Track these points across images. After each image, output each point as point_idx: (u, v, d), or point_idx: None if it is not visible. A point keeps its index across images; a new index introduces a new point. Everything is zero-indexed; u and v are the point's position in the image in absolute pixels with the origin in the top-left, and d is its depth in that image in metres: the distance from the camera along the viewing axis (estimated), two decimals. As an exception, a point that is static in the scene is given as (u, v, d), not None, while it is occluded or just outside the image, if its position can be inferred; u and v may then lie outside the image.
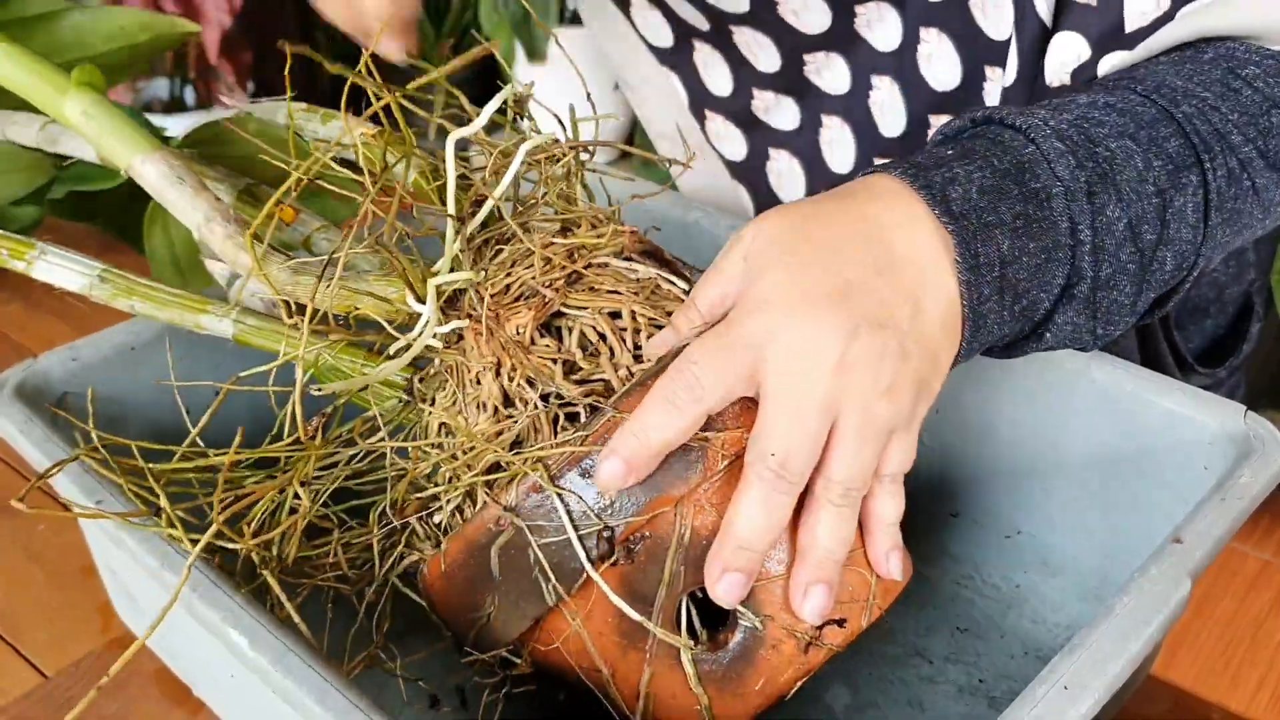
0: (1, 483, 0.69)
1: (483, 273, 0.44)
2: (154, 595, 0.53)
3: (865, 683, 0.51)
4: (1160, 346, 0.69)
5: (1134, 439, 0.51)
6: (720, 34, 0.68)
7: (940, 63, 0.62)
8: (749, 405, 0.41)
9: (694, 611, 0.42)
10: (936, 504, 0.58)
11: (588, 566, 0.40)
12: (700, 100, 0.75)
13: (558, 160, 0.47)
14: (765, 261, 0.41)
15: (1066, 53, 0.54)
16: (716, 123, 0.75)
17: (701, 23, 0.68)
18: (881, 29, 0.64)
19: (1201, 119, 0.47)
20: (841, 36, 0.65)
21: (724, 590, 0.40)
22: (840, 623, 0.42)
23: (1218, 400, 0.49)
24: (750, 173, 0.76)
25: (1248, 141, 0.48)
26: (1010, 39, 0.58)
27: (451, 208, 0.44)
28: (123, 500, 0.46)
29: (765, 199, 0.76)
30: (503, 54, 2.17)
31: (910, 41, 0.63)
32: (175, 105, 2.22)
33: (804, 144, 0.72)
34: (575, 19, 2.03)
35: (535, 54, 2.06)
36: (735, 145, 0.75)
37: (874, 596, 0.42)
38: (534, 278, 0.44)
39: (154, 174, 0.45)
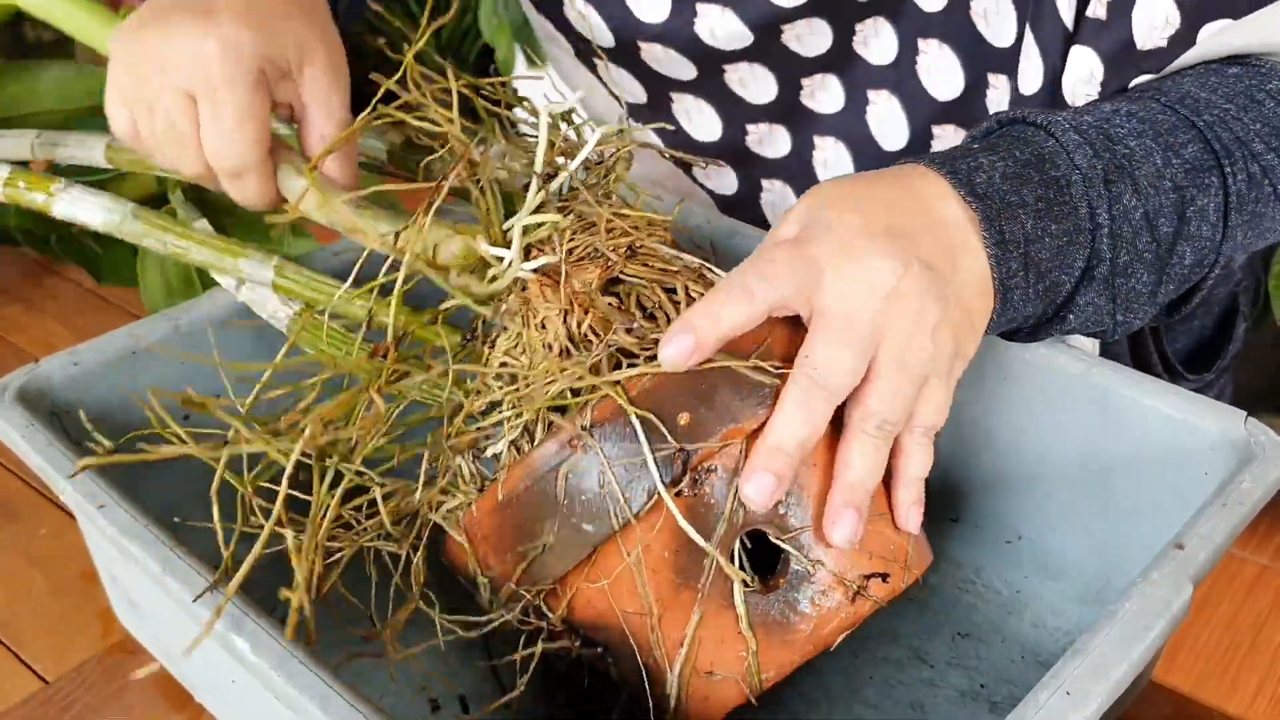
0: (5, 489, 0.69)
1: (563, 220, 0.47)
2: (155, 600, 0.53)
3: (866, 686, 0.51)
4: (1150, 356, 0.69)
5: (1134, 444, 0.51)
6: (708, 78, 0.67)
7: (940, 73, 0.62)
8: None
9: (745, 558, 0.43)
10: (937, 509, 0.58)
11: (660, 488, 0.41)
12: (686, 148, 0.73)
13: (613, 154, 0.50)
14: (825, 206, 0.44)
15: (1080, 68, 0.54)
16: (713, 171, 0.74)
17: (686, 72, 0.67)
18: (877, 43, 0.63)
19: (1223, 127, 0.49)
20: (839, 57, 0.64)
21: (754, 490, 0.41)
22: (884, 577, 0.43)
23: (1218, 406, 0.49)
24: (742, 207, 0.75)
25: (1270, 150, 0.50)
26: (1014, 45, 0.58)
27: (539, 166, 0.48)
28: (128, 505, 0.46)
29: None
30: (503, 59, 2.17)
31: (908, 53, 0.63)
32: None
33: (796, 169, 0.71)
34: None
35: (536, 59, 2.07)
36: (725, 181, 0.75)
37: (911, 558, 0.44)
38: (600, 244, 0.46)
39: None
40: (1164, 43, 0.51)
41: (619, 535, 0.42)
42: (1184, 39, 0.51)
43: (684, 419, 0.41)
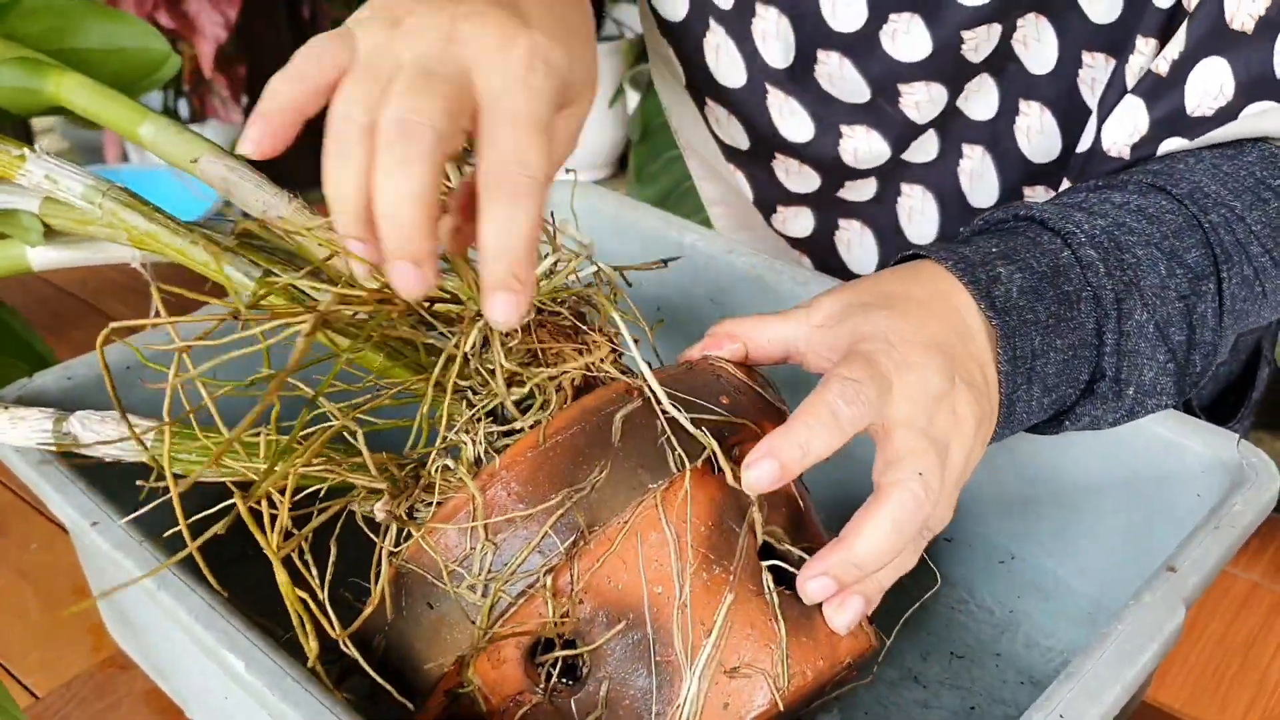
0: (-6, 501, 0.69)
1: None
2: (146, 615, 0.52)
3: (859, 706, 0.51)
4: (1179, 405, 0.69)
5: (1127, 466, 0.51)
6: (823, 140, 0.65)
7: (1040, 137, 0.62)
8: None
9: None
10: (930, 528, 0.58)
11: (715, 446, 0.40)
12: (771, 198, 0.72)
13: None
14: (870, 308, 0.43)
15: (1125, 120, 0.54)
16: (786, 212, 0.73)
17: (804, 132, 0.65)
18: (979, 98, 0.62)
19: (1226, 229, 0.49)
20: (943, 114, 0.63)
21: (817, 589, 0.39)
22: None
23: (1211, 429, 0.49)
24: (817, 246, 0.74)
25: (1266, 252, 0.50)
26: None
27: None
28: (119, 522, 0.45)
29: (831, 268, 0.74)
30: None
31: (1008, 112, 0.62)
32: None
33: (879, 213, 0.70)
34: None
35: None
36: (803, 224, 0.73)
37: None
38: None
39: (220, 169, 0.50)
40: (1210, 112, 0.51)
41: (660, 499, 0.40)
42: (1229, 112, 0.51)
43: (724, 400, 0.42)
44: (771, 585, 0.40)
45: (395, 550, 0.43)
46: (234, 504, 0.40)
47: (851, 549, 0.39)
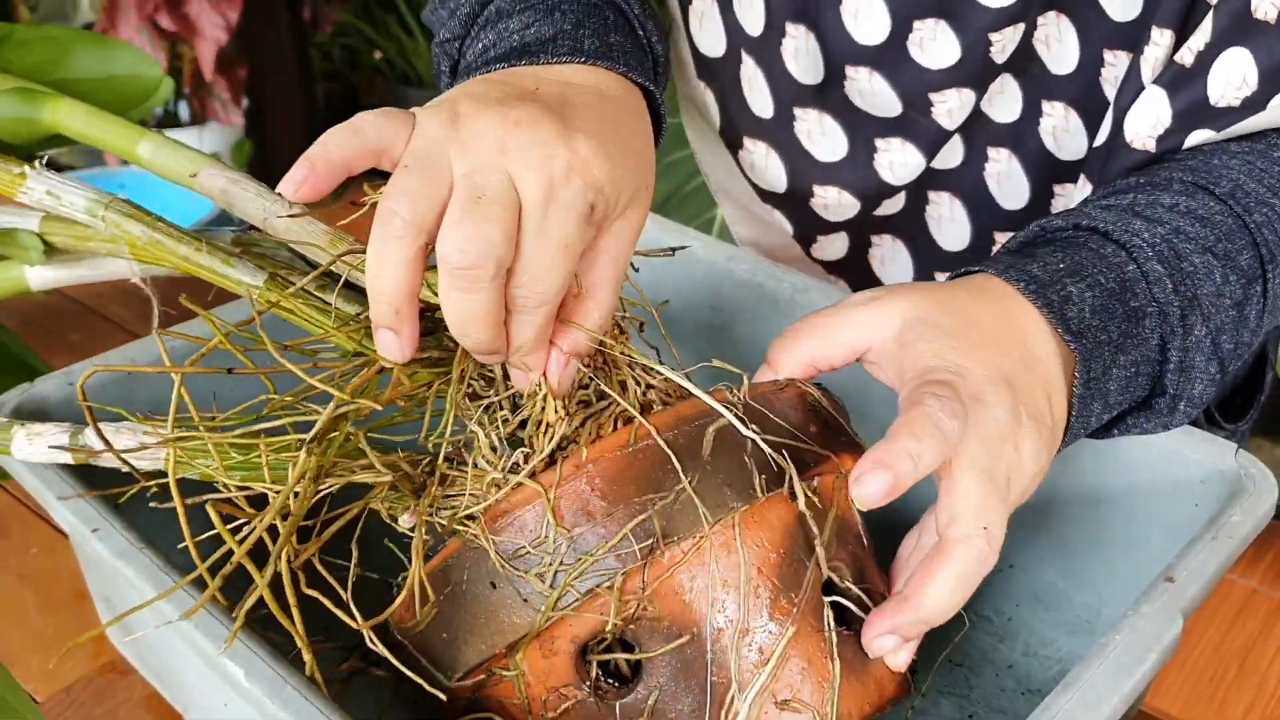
0: (-5, 505, 0.69)
1: None
2: (146, 620, 0.52)
3: (858, 715, 0.51)
4: None
5: (1126, 476, 0.51)
6: (856, 156, 0.65)
7: (1066, 136, 0.61)
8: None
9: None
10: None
11: (794, 473, 0.41)
12: (812, 231, 0.72)
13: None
14: (928, 338, 0.42)
15: (1148, 112, 0.53)
16: (824, 240, 0.73)
17: (836, 152, 0.65)
18: (1002, 100, 0.62)
19: (1270, 228, 0.49)
20: (970, 119, 0.63)
21: (882, 649, 0.40)
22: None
23: (1209, 438, 0.49)
24: (852, 266, 0.74)
25: None
26: None
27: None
28: (121, 529, 0.46)
29: (866, 286, 0.74)
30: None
31: (1032, 113, 0.62)
32: (169, 121, 2.22)
33: (908, 224, 0.70)
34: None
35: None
36: (838, 247, 0.73)
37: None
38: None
39: (220, 182, 0.50)
40: (1236, 102, 0.51)
41: (740, 520, 0.40)
42: (1255, 102, 0.51)
43: (813, 429, 0.42)
44: (832, 623, 0.41)
45: (457, 529, 0.43)
46: (244, 521, 0.40)
47: (919, 609, 0.39)
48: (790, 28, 0.62)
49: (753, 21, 0.63)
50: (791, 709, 0.40)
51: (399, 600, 0.43)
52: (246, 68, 2.19)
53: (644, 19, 0.57)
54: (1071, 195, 0.63)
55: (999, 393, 0.41)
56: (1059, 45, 0.59)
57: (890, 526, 0.47)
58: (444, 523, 0.43)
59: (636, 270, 0.49)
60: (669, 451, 0.40)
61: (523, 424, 0.44)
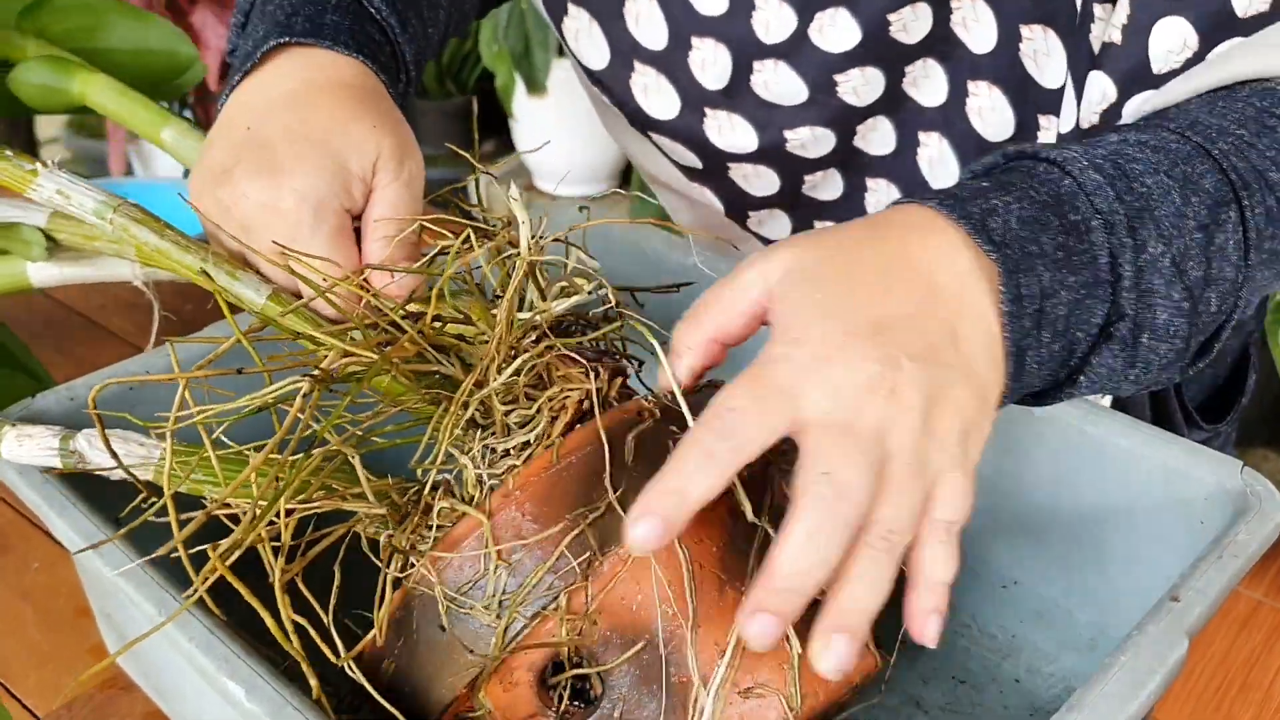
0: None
1: None
2: (149, 639, 0.52)
3: (861, 733, 0.51)
4: (1171, 403, 0.69)
5: (1130, 493, 0.51)
6: (770, 148, 0.66)
7: (992, 115, 0.62)
8: None
9: None
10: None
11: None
12: (741, 205, 0.72)
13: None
14: (790, 299, 0.40)
15: (1093, 91, 0.53)
16: (760, 215, 0.73)
17: (748, 143, 0.66)
18: (928, 85, 0.63)
19: (1239, 156, 0.46)
20: (890, 99, 0.64)
21: (755, 634, 0.36)
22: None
23: (1214, 456, 0.49)
24: None
25: None
26: (1064, 86, 0.57)
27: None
28: (123, 545, 0.45)
29: None
30: (502, 85, 2.18)
31: (958, 95, 0.62)
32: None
33: (849, 211, 0.70)
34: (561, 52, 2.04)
35: (535, 86, 2.07)
36: (780, 227, 0.73)
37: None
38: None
39: None
40: (1179, 65, 0.50)
41: None
42: (1197, 59, 0.49)
43: None
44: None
45: (403, 575, 0.43)
46: (234, 534, 0.40)
47: (773, 576, 0.36)
48: (697, 40, 0.63)
49: (655, 37, 0.64)
50: (756, 695, 0.39)
51: (363, 643, 0.43)
52: (250, 78, 2.19)
53: None
54: None
55: (855, 344, 0.38)
56: (977, 26, 0.59)
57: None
58: (423, 551, 0.43)
59: (641, 306, 0.49)
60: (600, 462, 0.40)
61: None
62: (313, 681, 0.40)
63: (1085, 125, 0.54)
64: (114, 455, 0.46)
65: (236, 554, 0.40)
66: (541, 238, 0.48)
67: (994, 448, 0.54)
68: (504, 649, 0.40)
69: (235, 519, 0.42)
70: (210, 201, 0.51)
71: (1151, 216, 0.43)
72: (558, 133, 1.94)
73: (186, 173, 0.57)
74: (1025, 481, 0.54)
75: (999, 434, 0.54)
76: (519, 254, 0.47)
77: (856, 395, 0.37)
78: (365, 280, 0.49)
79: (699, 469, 0.36)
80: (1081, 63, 0.55)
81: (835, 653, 0.36)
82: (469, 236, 0.48)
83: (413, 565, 0.43)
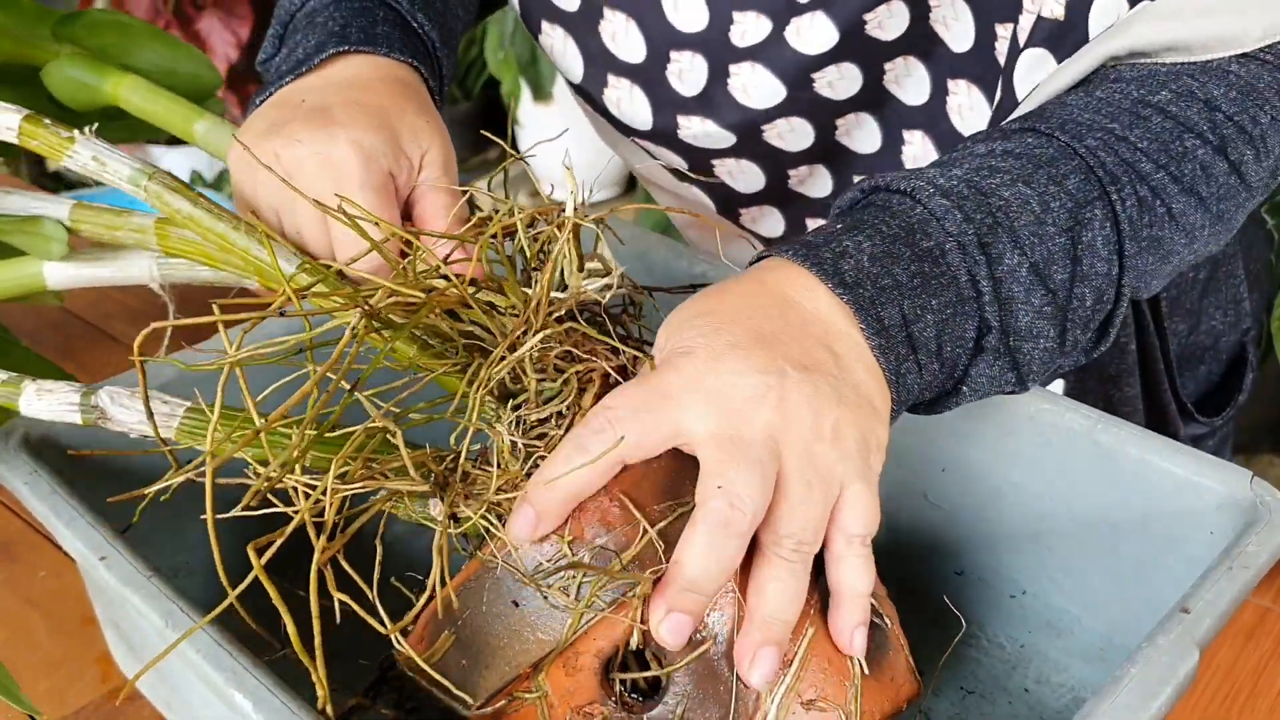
0: (4, 529, 0.69)
1: None
2: (154, 647, 0.52)
3: (869, 744, 0.51)
4: (1164, 396, 0.69)
5: (1139, 503, 0.51)
6: (748, 142, 0.67)
7: (971, 114, 0.62)
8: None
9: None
10: (941, 562, 0.58)
11: None
12: (732, 203, 0.73)
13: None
14: (678, 333, 0.41)
15: (1036, 70, 0.54)
16: (752, 212, 0.74)
17: (724, 141, 0.67)
18: (910, 83, 0.63)
19: (1107, 151, 0.47)
20: (872, 96, 0.64)
21: (668, 631, 0.38)
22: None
23: (1224, 465, 0.49)
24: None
25: (1159, 168, 0.48)
26: (1037, 86, 0.58)
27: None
28: (129, 556, 0.45)
29: None
30: (508, 91, 2.18)
31: (939, 94, 0.63)
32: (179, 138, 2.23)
33: None
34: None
35: (541, 94, 2.07)
36: (772, 224, 0.74)
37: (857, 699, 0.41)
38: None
39: None
40: None
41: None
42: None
43: None
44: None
45: (476, 550, 0.43)
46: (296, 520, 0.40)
47: (678, 579, 0.38)
48: (675, 54, 0.64)
49: (633, 52, 0.65)
50: (817, 708, 0.40)
51: (422, 613, 0.42)
52: (257, 85, 2.20)
53: (415, 11, 0.62)
54: None
55: (737, 357, 0.39)
56: (956, 24, 0.60)
57: (910, 531, 0.46)
58: (471, 514, 0.43)
59: (658, 310, 0.49)
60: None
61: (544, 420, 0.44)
62: (320, 691, 0.40)
63: (1029, 104, 0.55)
64: (149, 413, 0.45)
65: (278, 542, 0.39)
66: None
67: (1002, 457, 0.54)
68: (576, 632, 0.40)
69: (280, 497, 0.42)
70: (259, 152, 0.52)
71: (1007, 229, 0.45)
72: (563, 141, 1.94)
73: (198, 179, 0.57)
74: (1034, 491, 0.54)
75: (1006, 442, 0.53)
76: (566, 215, 0.48)
77: (745, 405, 0.39)
78: (408, 240, 0.49)
79: (572, 461, 0.39)
80: (1012, 54, 0.55)
81: (764, 664, 0.38)
82: (512, 209, 0.49)
83: (481, 538, 0.42)
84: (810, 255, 0.43)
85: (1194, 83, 0.49)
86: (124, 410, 0.48)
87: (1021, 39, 0.54)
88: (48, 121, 0.53)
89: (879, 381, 0.42)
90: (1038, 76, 0.53)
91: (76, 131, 0.53)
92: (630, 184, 2.35)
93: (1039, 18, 0.52)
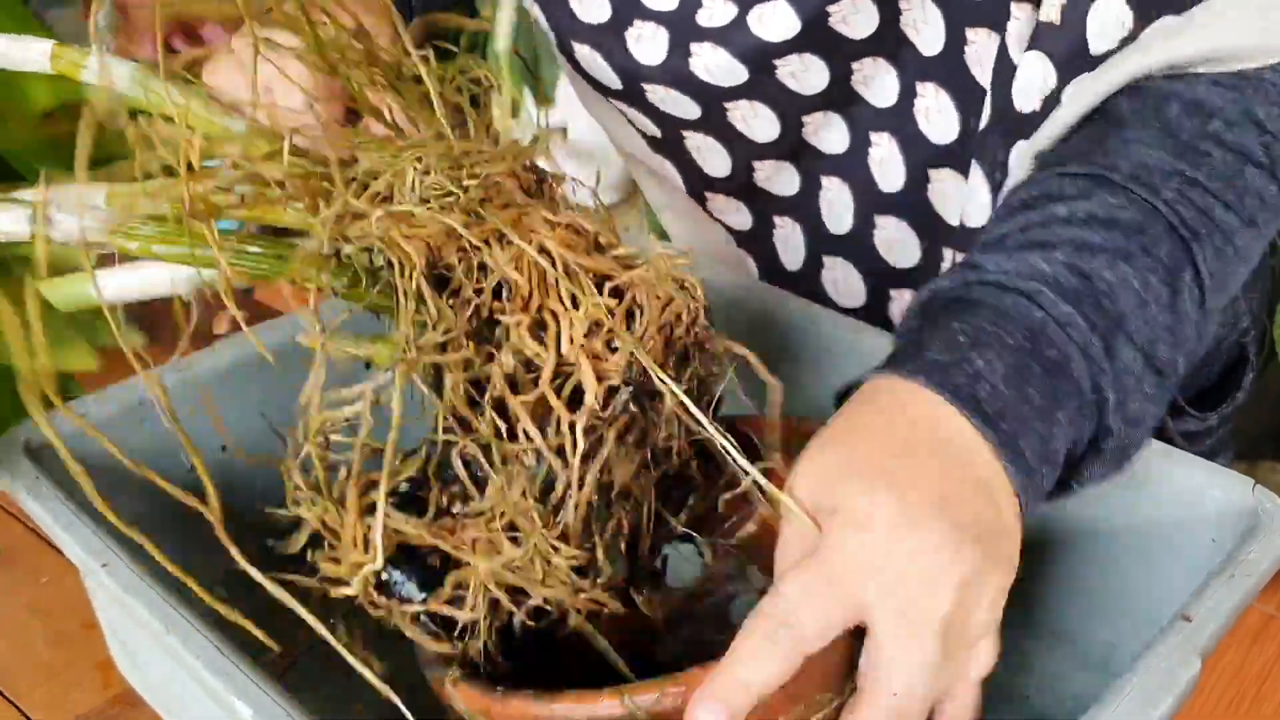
0: (6, 535, 0.69)
1: None
2: (155, 653, 0.52)
3: (871, 752, 0.51)
4: None
5: (1141, 510, 0.51)
6: (712, 116, 0.67)
7: (939, 117, 0.62)
8: None
9: None
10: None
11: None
12: (698, 185, 0.74)
13: None
14: (840, 492, 0.39)
15: (1033, 75, 0.53)
16: (718, 200, 0.74)
17: (692, 111, 0.67)
18: (879, 84, 0.63)
19: (1185, 204, 0.46)
20: (839, 95, 0.64)
21: None
22: None
23: (1225, 473, 0.49)
24: (755, 241, 0.75)
25: (1228, 209, 0.47)
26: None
27: None
28: (130, 563, 0.46)
29: (769, 265, 0.76)
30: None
31: (907, 97, 0.63)
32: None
33: (805, 208, 0.71)
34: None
35: (543, 99, 2.07)
36: (739, 217, 0.75)
37: None
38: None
39: None
40: (1115, 44, 0.50)
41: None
42: (1130, 39, 0.49)
43: None
44: None
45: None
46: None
47: None
48: (639, 23, 0.64)
49: (596, 15, 0.65)
50: None
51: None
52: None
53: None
54: (945, 179, 0.64)
55: (919, 535, 0.38)
56: (926, 28, 0.60)
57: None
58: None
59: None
60: None
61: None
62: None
63: (1026, 111, 0.54)
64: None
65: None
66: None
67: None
68: None
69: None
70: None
71: (1118, 321, 0.43)
72: (563, 145, 1.94)
73: None
74: (1035, 498, 0.54)
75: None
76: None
77: (926, 596, 0.37)
78: None
79: (765, 659, 0.37)
80: (1003, 64, 0.55)
81: None
82: None
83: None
84: (945, 383, 0.41)
85: (1241, 101, 0.48)
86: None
87: (1014, 50, 0.54)
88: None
89: (1015, 514, 0.41)
90: (1036, 77, 0.53)
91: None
92: (632, 189, 2.35)
93: (1038, 23, 0.52)
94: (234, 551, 0.41)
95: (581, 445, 0.39)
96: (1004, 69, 0.56)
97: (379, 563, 0.39)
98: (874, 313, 0.74)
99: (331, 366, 0.42)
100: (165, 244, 0.44)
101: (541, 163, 0.47)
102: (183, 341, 0.52)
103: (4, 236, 0.47)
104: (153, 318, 0.63)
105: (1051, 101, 0.53)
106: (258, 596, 0.40)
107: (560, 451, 0.39)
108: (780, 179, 0.71)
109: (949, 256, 0.69)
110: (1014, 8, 0.53)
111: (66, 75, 0.53)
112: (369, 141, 0.45)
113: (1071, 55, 0.52)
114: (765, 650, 0.37)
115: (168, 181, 0.43)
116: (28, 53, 0.53)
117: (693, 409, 0.41)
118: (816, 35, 0.60)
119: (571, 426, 0.39)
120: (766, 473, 0.41)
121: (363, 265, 0.43)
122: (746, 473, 0.40)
